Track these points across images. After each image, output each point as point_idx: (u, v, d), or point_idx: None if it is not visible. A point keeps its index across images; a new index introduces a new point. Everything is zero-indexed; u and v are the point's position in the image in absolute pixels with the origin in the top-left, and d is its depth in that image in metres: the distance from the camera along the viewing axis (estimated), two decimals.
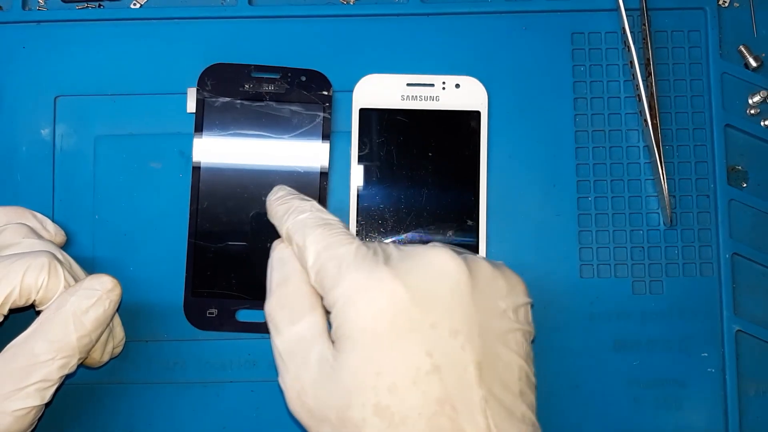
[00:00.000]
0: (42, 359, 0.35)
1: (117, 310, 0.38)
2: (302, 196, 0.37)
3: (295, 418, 0.33)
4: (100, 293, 0.37)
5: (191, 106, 0.44)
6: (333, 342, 0.32)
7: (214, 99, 0.44)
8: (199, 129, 0.43)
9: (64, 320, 0.36)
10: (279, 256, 0.36)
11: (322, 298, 0.34)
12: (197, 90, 0.44)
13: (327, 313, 0.34)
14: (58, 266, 0.37)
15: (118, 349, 0.42)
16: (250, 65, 0.44)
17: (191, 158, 0.44)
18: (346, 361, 0.31)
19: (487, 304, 0.33)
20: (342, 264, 0.32)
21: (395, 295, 0.31)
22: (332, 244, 0.33)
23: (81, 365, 0.39)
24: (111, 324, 0.39)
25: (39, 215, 0.42)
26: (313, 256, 0.33)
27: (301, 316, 0.34)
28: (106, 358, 0.40)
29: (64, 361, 0.36)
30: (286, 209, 0.36)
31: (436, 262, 0.32)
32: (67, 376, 0.37)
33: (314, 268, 0.33)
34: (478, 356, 0.31)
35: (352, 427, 0.31)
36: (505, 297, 0.34)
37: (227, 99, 0.44)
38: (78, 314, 0.36)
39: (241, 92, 0.44)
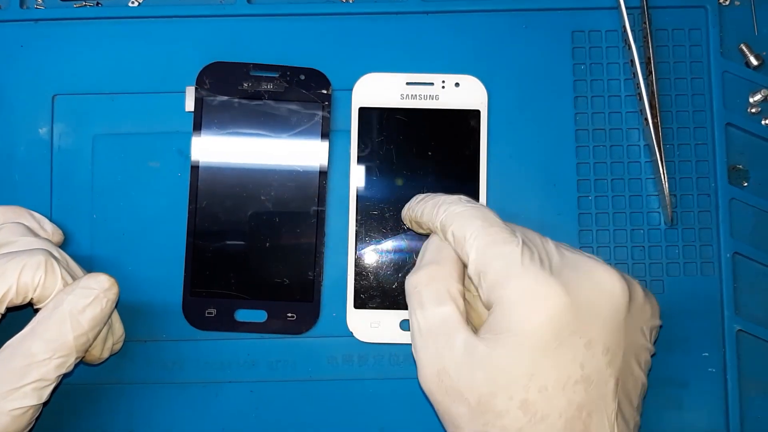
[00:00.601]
0: (39, 359, 0.35)
1: (115, 308, 0.38)
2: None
3: (425, 392, 0.35)
4: (97, 292, 0.37)
5: (189, 105, 0.44)
6: (477, 332, 0.34)
7: (212, 98, 0.43)
8: (197, 128, 0.43)
9: (61, 319, 0.36)
10: (436, 242, 0.37)
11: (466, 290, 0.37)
12: (196, 89, 0.43)
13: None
14: (55, 264, 0.37)
15: (118, 345, 0.41)
16: (249, 64, 0.44)
17: (190, 157, 0.44)
18: (503, 356, 0.33)
19: (635, 326, 0.35)
20: (510, 264, 0.34)
21: (563, 307, 0.33)
22: (496, 242, 0.34)
23: (81, 362, 0.39)
24: (110, 321, 0.39)
25: (36, 214, 0.42)
26: (476, 251, 0.35)
27: (449, 299, 0.35)
28: (106, 354, 0.40)
29: (61, 361, 0.36)
30: (434, 203, 0.37)
31: (605, 282, 0.34)
32: (65, 376, 0.37)
33: (477, 262, 0.34)
34: (618, 373, 0.34)
35: (492, 413, 0.33)
36: (648, 320, 0.36)
37: (226, 98, 0.43)
38: (75, 313, 0.36)
39: (239, 91, 0.44)
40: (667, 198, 0.43)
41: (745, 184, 0.45)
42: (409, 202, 0.40)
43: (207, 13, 0.45)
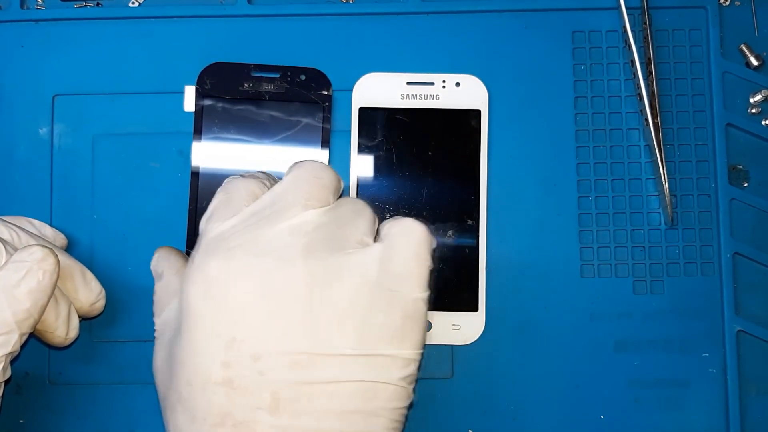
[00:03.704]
0: None
1: (56, 279, 0.36)
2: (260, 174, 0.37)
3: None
4: (29, 264, 0.35)
5: (189, 105, 0.44)
6: None
7: (212, 98, 0.43)
8: (198, 129, 0.43)
9: None
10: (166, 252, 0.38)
11: None
12: (196, 89, 0.43)
13: None
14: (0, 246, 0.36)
15: (101, 303, 0.40)
16: (250, 64, 0.44)
17: (190, 158, 0.44)
18: (175, 344, 0.33)
19: (316, 342, 0.32)
20: (201, 240, 0.33)
21: (209, 292, 0.32)
22: (213, 215, 0.34)
23: (49, 347, 0.38)
24: (64, 296, 0.38)
25: (36, 221, 0.42)
26: (200, 224, 0.35)
27: (163, 307, 0.35)
28: (73, 334, 0.39)
29: (3, 339, 0.34)
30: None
31: (262, 275, 0.32)
32: (14, 359, 0.35)
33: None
34: (275, 388, 0.31)
35: (170, 409, 0.32)
36: (358, 338, 0.32)
37: (226, 98, 0.43)
38: (8, 288, 0.34)
39: (240, 91, 0.44)
40: (668, 198, 0.43)
41: (746, 185, 0.45)
42: None
43: (207, 13, 0.45)
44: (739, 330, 0.43)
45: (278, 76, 0.44)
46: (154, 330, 0.36)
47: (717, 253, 0.44)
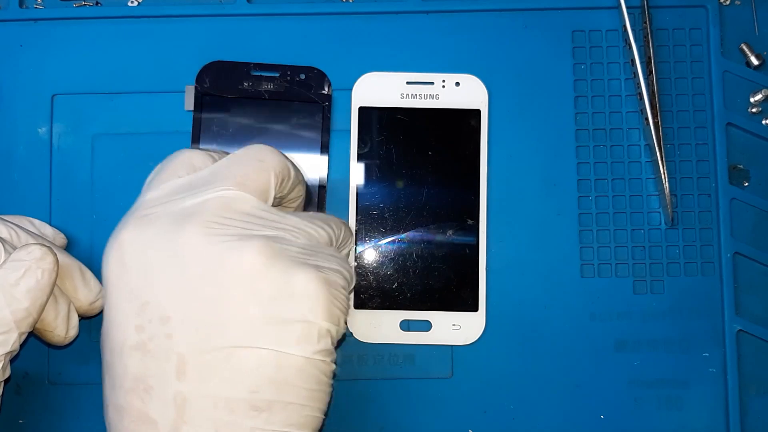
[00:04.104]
0: None
1: (55, 278, 0.36)
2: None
3: None
4: (28, 263, 0.35)
5: (189, 104, 0.43)
6: None
7: (212, 96, 0.43)
8: (197, 126, 0.43)
9: None
10: None
11: None
12: (195, 87, 0.43)
13: None
14: None
15: (100, 302, 0.40)
16: (250, 63, 0.44)
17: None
18: None
19: (227, 304, 0.32)
20: (132, 207, 0.35)
21: (126, 257, 0.33)
22: (151, 183, 0.36)
23: (50, 346, 0.38)
24: (63, 295, 0.38)
25: (36, 221, 0.41)
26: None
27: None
28: (72, 333, 0.39)
29: (2, 338, 0.34)
30: None
31: (176, 237, 0.33)
32: (13, 358, 0.35)
33: None
34: (184, 351, 0.31)
35: (105, 380, 0.34)
36: (260, 302, 0.32)
37: (225, 96, 0.43)
38: (7, 287, 0.34)
39: (239, 90, 0.43)
40: (668, 198, 0.43)
41: (746, 184, 0.45)
42: None
43: (207, 12, 0.45)
44: (739, 330, 0.43)
45: (278, 75, 0.44)
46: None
47: (717, 253, 0.44)
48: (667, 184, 0.43)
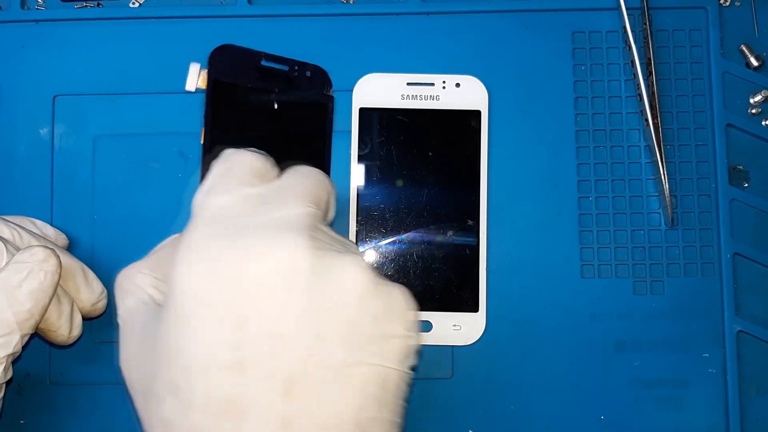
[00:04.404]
0: None
1: (58, 280, 0.36)
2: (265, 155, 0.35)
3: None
4: (30, 265, 0.35)
5: (191, 84, 0.43)
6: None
7: (221, 82, 0.43)
8: (209, 106, 0.43)
9: None
10: (171, 237, 0.36)
11: None
12: (209, 70, 0.42)
13: None
14: (0, 244, 0.36)
15: (102, 303, 0.40)
16: (261, 53, 0.44)
17: (190, 158, 0.44)
18: (161, 327, 0.30)
19: (337, 321, 0.29)
20: (200, 213, 0.31)
21: (217, 269, 0.29)
22: (215, 187, 0.32)
23: (53, 346, 0.37)
24: (66, 295, 0.38)
25: (38, 221, 0.42)
26: (196, 195, 0.32)
27: (133, 291, 0.33)
28: (76, 332, 0.39)
29: (4, 340, 0.34)
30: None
31: (281, 252, 0.29)
32: (15, 360, 0.35)
33: (192, 207, 0.32)
34: (302, 366, 0.28)
35: (153, 400, 0.30)
36: (369, 321, 0.30)
37: (232, 82, 0.43)
38: (9, 289, 0.34)
39: (248, 79, 0.43)
40: (668, 199, 0.43)
41: (746, 185, 0.45)
42: None
43: (207, 13, 0.45)
44: (739, 330, 0.43)
45: (286, 69, 0.43)
46: (117, 318, 0.34)
47: (717, 254, 0.44)
48: (667, 185, 0.43)
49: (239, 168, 0.32)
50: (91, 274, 0.40)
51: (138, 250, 0.44)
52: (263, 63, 0.44)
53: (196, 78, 0.43)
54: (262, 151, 0.34)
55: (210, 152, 0.43)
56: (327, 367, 0.29)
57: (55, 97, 0.45)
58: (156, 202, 0.44)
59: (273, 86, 0.43)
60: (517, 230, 0.44)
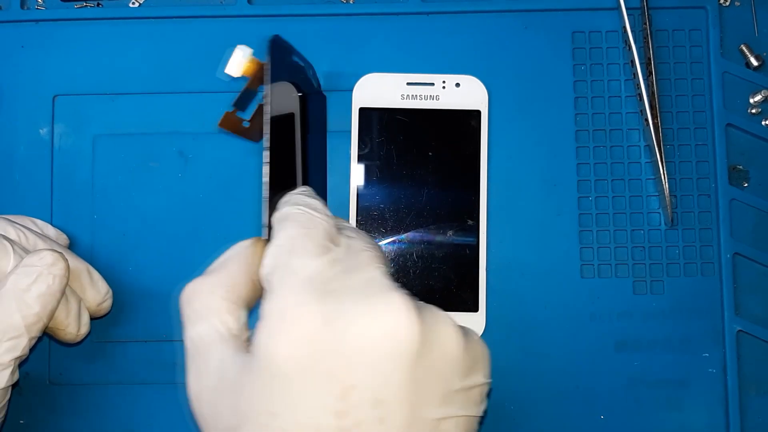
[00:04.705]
0: None
1: (66, 283, 0.36)
2: (316, 195, 0.34)
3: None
4: (39, 269, 0.35)
5: (235, 69, 0.37)
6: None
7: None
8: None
9: (4, 301, 0.34)
10: (237, 245, 0.33)
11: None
12: (270, 58, 0.36)
13: None
14: (7, 245, 0.36)
15: (108, 303, 0.40)
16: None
17: (190, 157, 0.44)
18: (249, 384, 0.28)
19: (435, 380, 0.29)
20: (286, 277, 0.29)
21: (310, 337, 0.28)
22: (295, 251, 0.30)
23: (62, 344, 0.38)
24: (75, 295, 0.38)
25: (39, 221, 0.42)
26: (271, 257, 0.30)
27: (209, 315, 0.31)
28: (84, 330, 0.39)
29: (12, 343, 0.34)
30: (284, 201, 0.33)
31: (386, 317, 0.28)
32: (23, 362, 0.36)
33: (266, 267, 0.30)
34: None
35: None
36: (460, 375, 0.30)
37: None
38: (19, 293, 0.34)
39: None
40: (668, 199, 0.43)
41: (746, 185, 0.45)
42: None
43: (207, 13, 0.45)
44: (739, 330, 0.43)
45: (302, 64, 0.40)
46: (186, 339, 0.31)
47: (717, 254, 0.44)
48: (667, 185, 0.43)
49: (316, 232, 0.31)
50: (96, 275, 0.40)
51: (138, 249, 0.44)
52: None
53: (241, 64, 0.37)
54: (315, 195, 0.34)
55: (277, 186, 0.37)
56: (425, 426, 0.29)
57: (54, 96, 0.45)
58: (156, 202, 0.44)
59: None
60: (517, 230, 0.44)
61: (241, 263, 0.32)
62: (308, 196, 0.33)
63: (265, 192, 0.34)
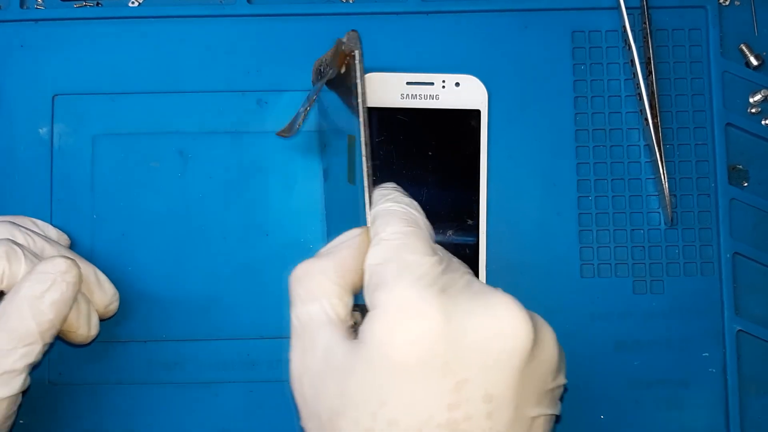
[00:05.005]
0: (2, 349, 0.34)
1: (78, 290, 0.36)
2: (405, 193, 0.35)
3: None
4: (53, 276, 0.35)
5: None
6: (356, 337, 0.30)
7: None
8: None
9: (19, 307, 0.35)
10: (346, 234, 0.33)
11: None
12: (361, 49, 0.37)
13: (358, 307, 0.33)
14: (18, 251, 0.36)
15: (115, 305, 0.41)
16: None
17: (190, 157, 0.44)
18: (359, 371, 0.29)
19: (536, 379, 0.31)
20: (404, 271, 0.30)
21: (435, 331, 0.29)
22: (407, 247, 0.31)
23: (73, 346, 0.38)
24: (86, 298, 0.38)
25: (39, 222, 0.42)
26: (382, 248, 0.31)
27: (320, 296, 0.31)
28: (94, 331, 0.39)
29: (27, 350, 0.35)
30: (382, 194, 0.34)
31: (504, 317, 0.30)
32: (35, 366, 0.36)
33: (375, 257, 0.31)
34: (504, 429, 0.29)
35: None
36: (553, 376, 0.32)
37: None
38: (33, 300, 0.35)
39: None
40: (667, 198, 0.43)
41: (745, 184, 0.45)
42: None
43: (207, 13, 0.45)
44: (739, 330, 0.43)
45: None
46: (293, 319, 0.32)
47: (717, 253, 0.44)
48: (667, 185, 0.43)
49: (423, 231, 0.33)
50: (102, 277, 0.40)
51: (138, 249, 0.44)
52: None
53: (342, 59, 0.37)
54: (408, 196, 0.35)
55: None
56: (524, 423, 0.30)
57: (54, 96, 0.45)
58: (156, 202, 0.44)
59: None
60: (517, 230, 0.44)
61: (352, 250, 0.33)
62: (403, 194, 0.35)
63: (367, 185, 0.35)
